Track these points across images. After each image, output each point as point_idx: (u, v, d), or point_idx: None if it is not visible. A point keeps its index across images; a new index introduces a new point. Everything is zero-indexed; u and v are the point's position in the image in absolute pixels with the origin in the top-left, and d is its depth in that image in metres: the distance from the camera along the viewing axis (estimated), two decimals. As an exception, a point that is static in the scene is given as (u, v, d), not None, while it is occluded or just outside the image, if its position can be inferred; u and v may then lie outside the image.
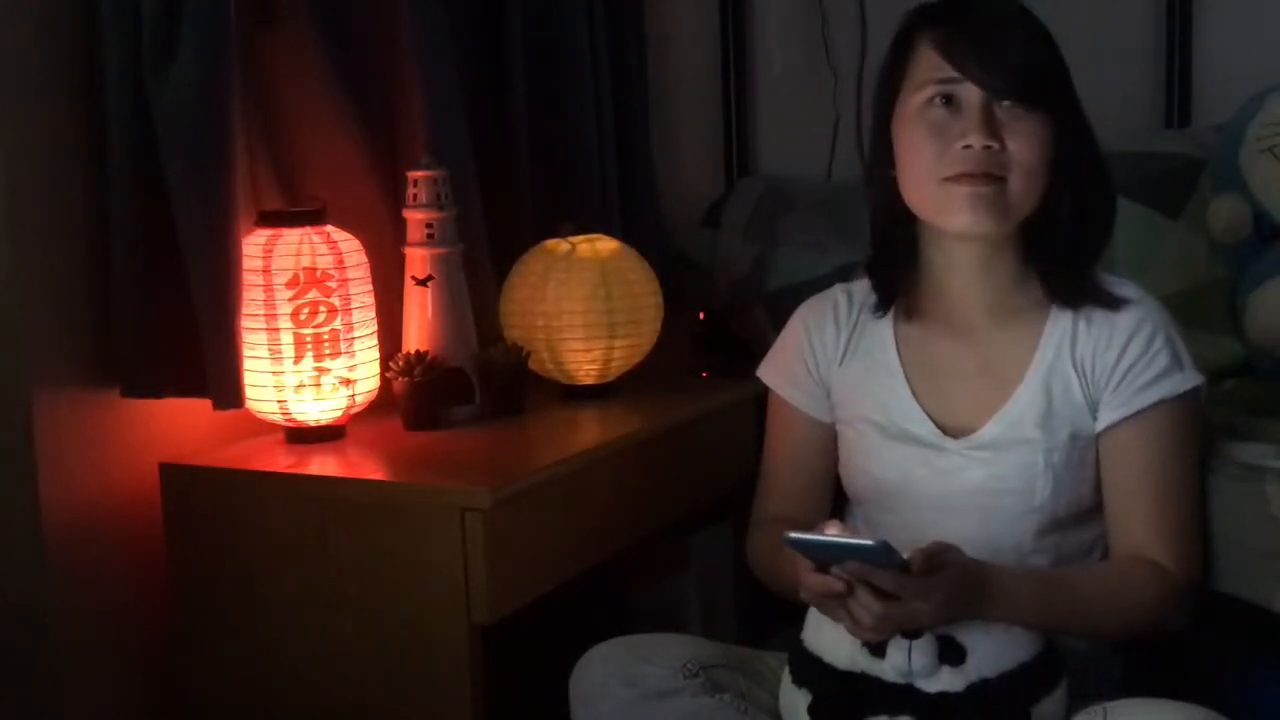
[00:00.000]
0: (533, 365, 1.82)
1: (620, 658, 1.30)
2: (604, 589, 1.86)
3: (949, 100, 1.27)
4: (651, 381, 1.93)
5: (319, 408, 1.63)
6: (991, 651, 1.14)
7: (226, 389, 1.59)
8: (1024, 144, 1.25)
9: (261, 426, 1.67)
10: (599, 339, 1.82)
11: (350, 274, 1.64)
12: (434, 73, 1.83)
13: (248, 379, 1.61)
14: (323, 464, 1.58)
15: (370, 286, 1.68)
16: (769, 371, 1.49)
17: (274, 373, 1.61)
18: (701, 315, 2.29)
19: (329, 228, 1.64)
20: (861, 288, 1.44)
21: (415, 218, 1.71)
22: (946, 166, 1.26)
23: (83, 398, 1.58)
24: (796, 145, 2.49)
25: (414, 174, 1.71)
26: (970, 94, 1.26)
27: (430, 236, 1.70)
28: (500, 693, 1.52)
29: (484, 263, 1.91)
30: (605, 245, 1.87)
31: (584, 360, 1.83)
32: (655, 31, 2.46)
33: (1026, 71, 1.26)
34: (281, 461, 1.58)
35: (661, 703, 1.24)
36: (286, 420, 1.64)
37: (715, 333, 2.28)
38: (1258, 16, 2.15)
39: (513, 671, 1.66)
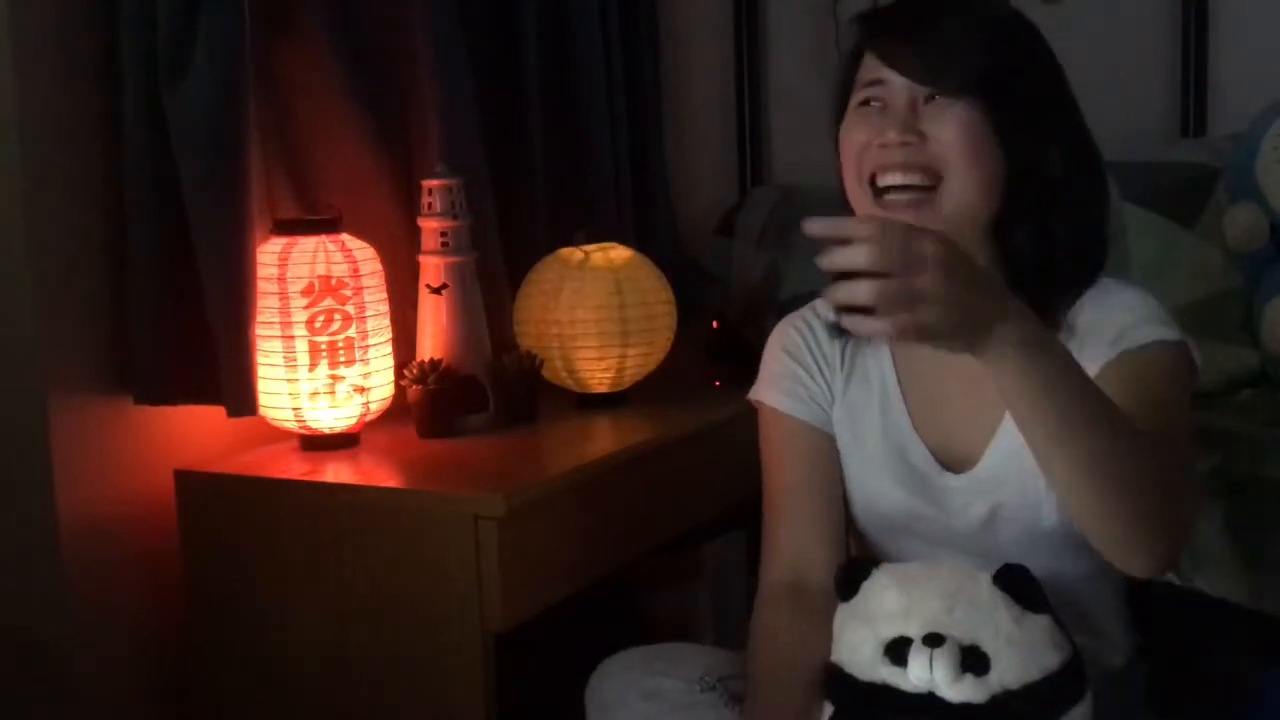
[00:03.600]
0: (546, 373, 1.82)
1: (636, 670, 1.29)
2: (617, 597, 1.86)
3: (879, 104, 1.20)
4: (665, 390, 1.92)
5: (333, 415, 1.63)
6: (1015, 661, 1.12)
7: (240, 396, 1.59)
8: (945, 129, 1.16)
9: (276, 434, 1.68)
10: (612, 347, 1.82)
11: (365, 282, 1.64)
12: (449, 82, 1.83)
13: (262, 386, 1.61)
14: (337, 471, 1.58)
15: (385, 295, 1.68)
16: (764, 390, 1.36)
17: (289, 380, 1.61)
18: (715, 324, 2.28)
19: (344, 236, 1.65)
20: None
21: (430, 226, 1.71)
22: (866, 166, 1.19)
23: (98, 405, 1.58)
24: (810, 154, 2.47)
25: (429, 183, 1.71)
26: (894, 93, 1.19)
27: (445, 245, 1.71)
28: (513, 700, 1.52)
29: (498, 271, 1.91)
30: (619, 254, 1.87)
31: (597, 369, 1.83)
32: (669, 41, 2.46)
33: (952, 54, 1.17)
34: (296, 469, 1.58)
35: (678, 716, 1.23)
36: (301, 428, 1.64)
37: (729, 342, 2.27)
38: (1273, 26, 2.15)
39: (526, 679, 1.65)
